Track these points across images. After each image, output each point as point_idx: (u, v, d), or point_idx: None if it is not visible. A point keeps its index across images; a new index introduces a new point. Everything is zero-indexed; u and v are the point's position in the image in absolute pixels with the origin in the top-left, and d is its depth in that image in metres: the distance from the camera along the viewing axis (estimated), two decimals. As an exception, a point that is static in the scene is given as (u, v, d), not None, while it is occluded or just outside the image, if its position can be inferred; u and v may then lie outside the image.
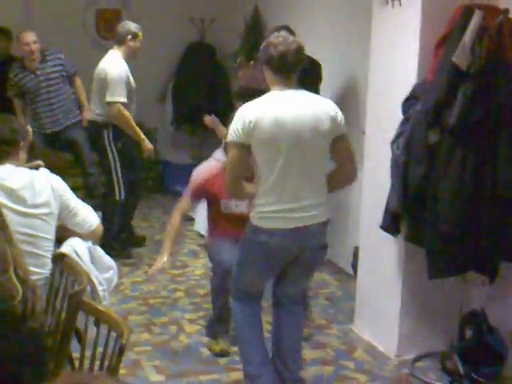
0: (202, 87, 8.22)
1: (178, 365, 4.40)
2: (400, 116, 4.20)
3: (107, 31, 8.17)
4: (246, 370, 3.90)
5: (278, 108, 3.50)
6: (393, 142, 4.18)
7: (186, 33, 8.38)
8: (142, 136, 6.20)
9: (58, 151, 7.20)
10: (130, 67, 6.11)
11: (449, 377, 4.20)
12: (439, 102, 3.91)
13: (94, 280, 3.57)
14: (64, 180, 6.04)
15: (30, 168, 4.95)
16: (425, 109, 3.96)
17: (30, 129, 6.53)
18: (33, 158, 5.38)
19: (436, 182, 3.94)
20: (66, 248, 3.54)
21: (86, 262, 3.55)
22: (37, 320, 2.29)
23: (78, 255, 3.52)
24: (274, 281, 3.91)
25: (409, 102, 4.15)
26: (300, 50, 3.58)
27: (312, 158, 3.56)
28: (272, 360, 3.93)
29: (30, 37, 6.59)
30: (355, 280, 5.05)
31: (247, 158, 3.56)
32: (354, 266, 5.33)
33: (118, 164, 6.19)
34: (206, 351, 4.58)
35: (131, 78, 6.10)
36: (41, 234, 3.52)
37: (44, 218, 3.53)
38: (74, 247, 3.54)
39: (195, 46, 8.46)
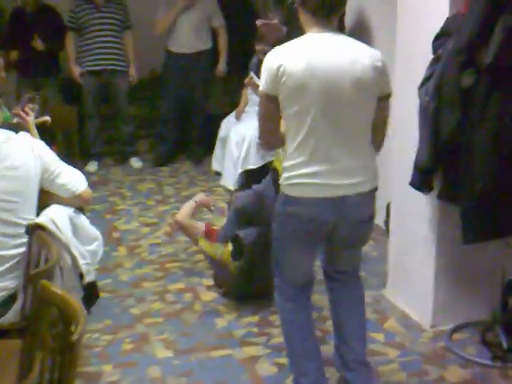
0: (234, 31, 7.70)
1: (188, 338, 4.00)
2: (430, 56, 3.66)
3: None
4: (300, 382, 3.28)
5: (312, 51, 2.96)
6: (421, 86, 3.65)
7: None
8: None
9: (98, 94, 7.36)
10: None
11: (489, 351, 3.72)
12: (474, 39, 3.36)
13: (76, 253, 3.16)
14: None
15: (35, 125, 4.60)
16: (457, 47, 3.41)
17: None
18: (42, 112, 5.04)
19: (471, 132, 3.41)
20: (42, 218, 3.13)
21: (65, 233, 3.14)
22: None
23: (56, 226, 3.11)
24: (321, 255, 3.38)
25: (440, 40, 3.61)
26: None
27: (352, 113, 2.97)
28: (335, 343, 3.40)
29: None
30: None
31: (278, 108, 3.03)
32: (387, 224, 4.84)
33: None
34: (220, 322, 4.18)
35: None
36: (19, 200, 3.13)
37: (23, 181, 3.13)
38: (52, 217, 3.13)
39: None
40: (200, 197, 5.04)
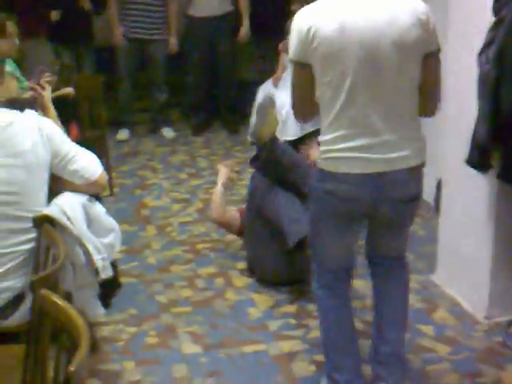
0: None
1: (219, 331, 3.66)
2: (491, 18, 3.22)
3: None
4: (333, 377, 3.01)
5: (345, 9, 2.60)
6: (480, 53, 3.23)
7: None
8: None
9: (134, 59, 7.01)
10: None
11: (553, 350, 3.34)
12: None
13: (90, 247, 2.82)
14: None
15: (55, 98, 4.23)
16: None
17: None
18: (62, 83, 4.68)
19: (537, 105, 3.00)
20: (52, 208, 2.78)
21: (78, 226, 2.79)
22: None
23: (67, 217, 2.77)
24: (365, 238, 3.06)
25: (502, 0, 3.17)
26: None
27: (393, 78, 2.61)
28: (372, 331, 3.11)
29: None
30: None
31: (313, 76, 2.67)
32: (437, 201, 4.43)
33: None
34: (254, 312, 3.84)
35: None
36: (27, 191, 2.79)
37: (31, 169, 2.78)
38: (63, 206, 2.78)
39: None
40: (222, 175, 4.65)
